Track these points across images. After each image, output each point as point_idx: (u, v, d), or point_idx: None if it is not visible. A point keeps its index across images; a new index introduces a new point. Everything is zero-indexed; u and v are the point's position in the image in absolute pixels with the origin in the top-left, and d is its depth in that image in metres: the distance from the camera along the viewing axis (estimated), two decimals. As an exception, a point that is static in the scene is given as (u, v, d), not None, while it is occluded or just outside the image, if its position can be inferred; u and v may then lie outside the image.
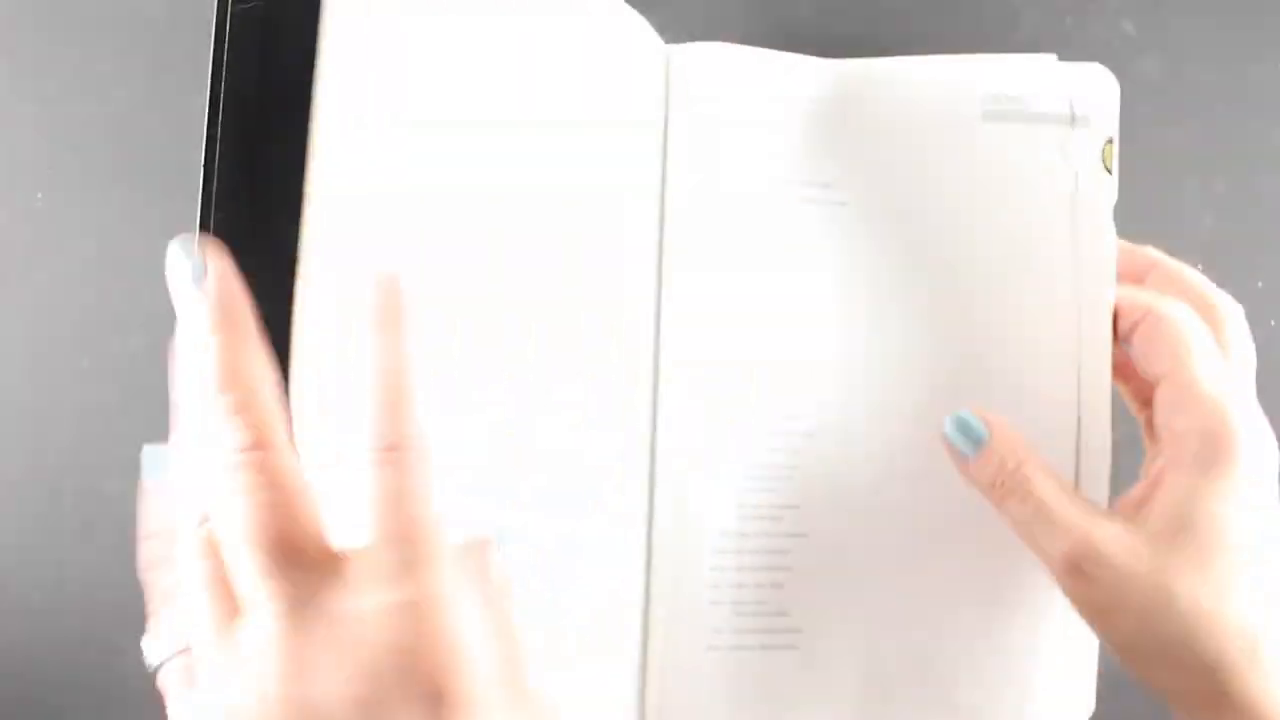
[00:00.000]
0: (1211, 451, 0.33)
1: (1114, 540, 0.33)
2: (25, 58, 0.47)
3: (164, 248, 0.45)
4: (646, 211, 0.42)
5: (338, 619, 0.23)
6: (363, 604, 0.23)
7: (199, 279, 0.29)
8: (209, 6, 0.46)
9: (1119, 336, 0.38)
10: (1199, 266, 0.47)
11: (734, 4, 0.47)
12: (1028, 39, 0.48)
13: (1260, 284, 0.48)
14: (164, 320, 0.45)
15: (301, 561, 0.24)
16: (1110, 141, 0.41)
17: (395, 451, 0.25)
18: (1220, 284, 0.47)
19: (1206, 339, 0.36)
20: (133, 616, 0.45)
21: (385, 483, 0.25)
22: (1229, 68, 0.48)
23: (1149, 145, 0.48)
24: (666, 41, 0.44)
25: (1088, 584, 0.33)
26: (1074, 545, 0.33)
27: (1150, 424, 0.39)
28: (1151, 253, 0.40)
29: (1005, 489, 0.35)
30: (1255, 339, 0.47)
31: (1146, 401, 0.40)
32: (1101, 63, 0.47)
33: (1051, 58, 0.42)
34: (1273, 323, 0.48)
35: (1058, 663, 0.41)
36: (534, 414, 0.39)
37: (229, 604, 0.25)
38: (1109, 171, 0.41)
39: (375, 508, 0.25)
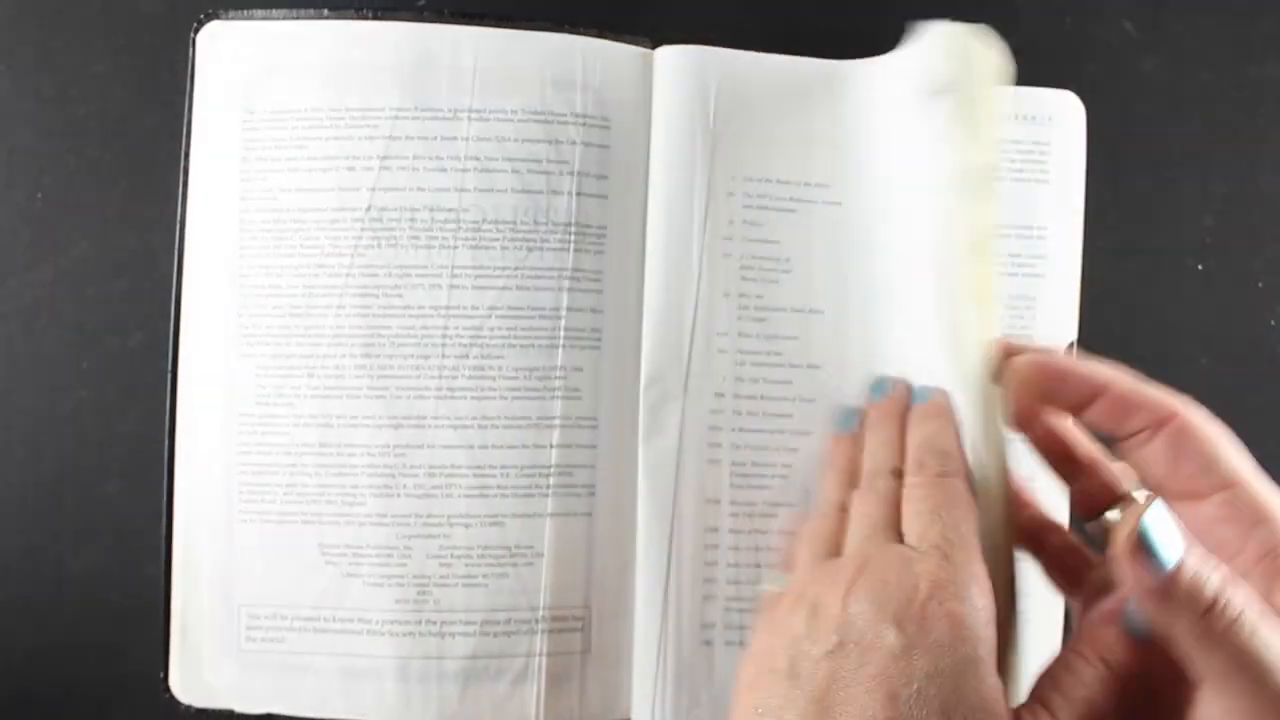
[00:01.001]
0: None
1: None
2: (25, 58, 0.47)
3: (164, 247, 0.45)
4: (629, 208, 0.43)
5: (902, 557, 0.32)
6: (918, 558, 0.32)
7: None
8: (209, 6, 0.46)
9: (1121, 432, 0.33)
10: (1199, 267, 0.48)
11: (734, 3, 0.47)
12: (1028, 39, 0.47)
13: (1260, 284, 0.48)
14: (164, 320, 0.45)
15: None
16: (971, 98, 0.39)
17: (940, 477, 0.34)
18: (1220, 284, 0.48)
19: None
20: (133, 616, 0.45)
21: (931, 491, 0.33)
22: (1229, 68, 0.48)
23: (1149, 145, 0.48)
24: (657, 42, 0.44)
25: None
26: None
27: (1075, 581, 0.36)
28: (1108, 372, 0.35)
29: (1217, 630, 0.28)
30: (1255, 339, 0.48)
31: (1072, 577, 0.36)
32: (1101, 63, 0.47)
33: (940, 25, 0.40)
34: (1272, 322, 0.48)
35: None
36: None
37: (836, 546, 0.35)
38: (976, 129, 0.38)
39: (927, 510, 0.33)
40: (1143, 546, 0.28)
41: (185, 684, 0.43)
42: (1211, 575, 0.28)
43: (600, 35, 0.44)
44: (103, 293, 0.46)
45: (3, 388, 0.46)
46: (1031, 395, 0.34)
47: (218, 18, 0.45)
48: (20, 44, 0.47)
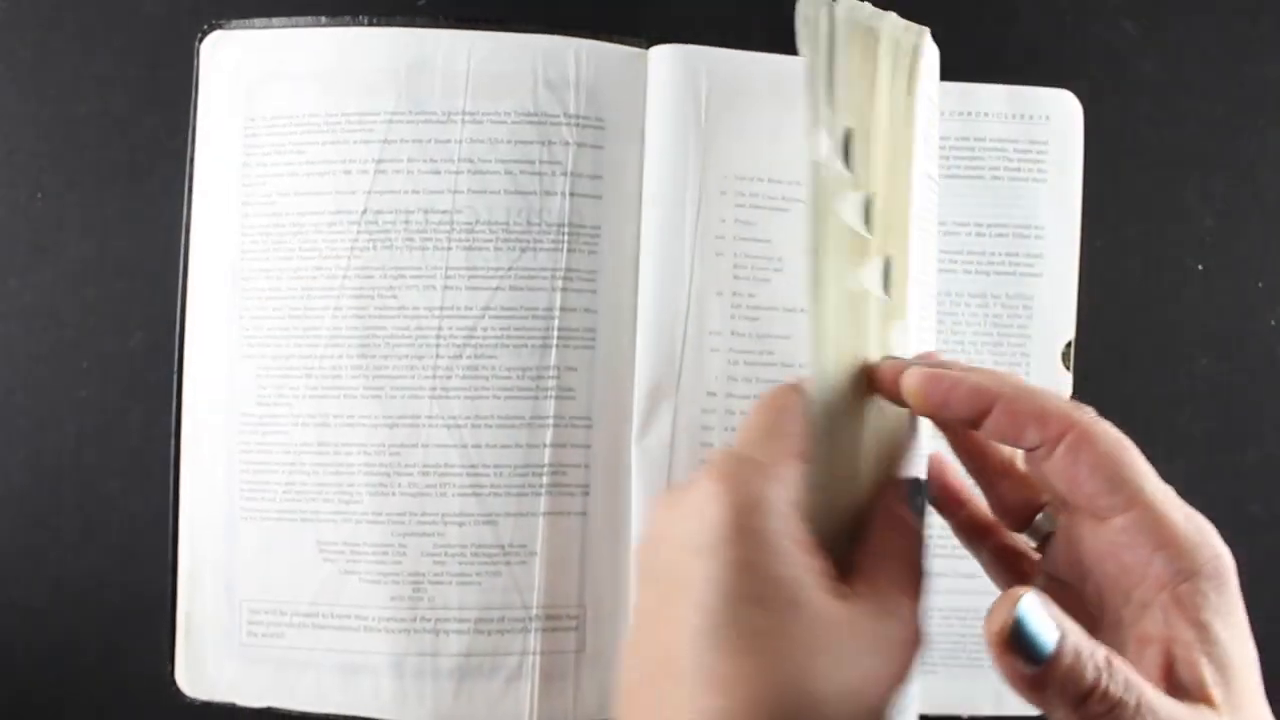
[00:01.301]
0: (1222, 596, 0.28)
1: None
2: (25, 58, 0.47)
3: (164, 247, 0.45)
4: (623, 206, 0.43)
5: None
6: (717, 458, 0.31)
7: None
8: (207, 6, 0.47)
9: (1021, 445, 0.31)
10: (1200, 267, 0.47)
11: (729, 2, 0.47)
12: (1028, 39, 0.47)
13: (1260, 284, 0.48)
14: (166, 321, 0.45)
15: None
16: None
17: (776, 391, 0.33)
18: (1220, 284, 0.47)
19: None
20: (133, 615, 0.45)
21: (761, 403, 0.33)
22: (1229, 67, 0.48)
23: (1149, 145, 0.47)
24: (652, 42, 0.44)
25: None
26: None
27: (1001, 558, 0.35)
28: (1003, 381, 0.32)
29: (1105, 702, 0.26)
30: (1256, 339, 0.47)
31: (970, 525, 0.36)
32: (1101, 63, 0.47)
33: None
34: (1273, 322, 0.48)
35: None
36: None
37: None
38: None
39: (751, 420, 0.32)
40: (1015, 640, 0.26)
41: (191, 679, 0.44)
42: (1089, 661, 0.26)
43: (594, 36, 0.44)
44: (103, 293, 0.46)
45: (3, 388, 0.46)
46: (924, 410, 0.32)
47: (220, 27, 0.45)
48: (20, 44, 0.47)
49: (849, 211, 0.34)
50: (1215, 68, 0.48)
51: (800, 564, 0.28)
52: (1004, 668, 0.27)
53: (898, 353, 0.34)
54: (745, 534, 0.28)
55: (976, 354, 0.45)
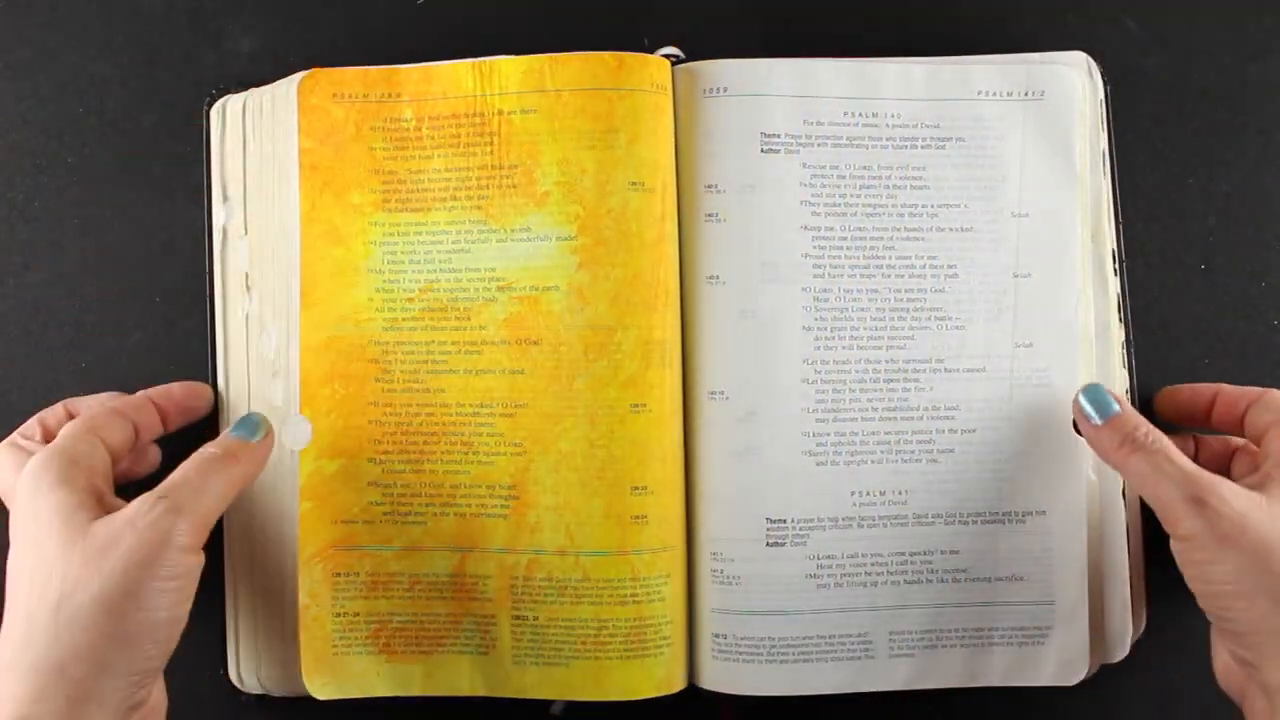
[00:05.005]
0: None
1: (1233, 488, 0.38)
2: (25, 58, 0.47)
3: (164, 247, 0.45)
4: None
5: None
6: None
7: None
8: (207, 6, 0.47)
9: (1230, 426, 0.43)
10: (1202, 266, 0.47)
11: (736, 1, 0.47)
12: (1029, 37, 0.47)
13: (1264, 283, 0.48)
14: (164, 320, 0.45)
15: None
16: None
17: None
18: (1223, 283, 0.47)
19: None
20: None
21: None
22: (1231, 66, 0.48)
23: (1151, 144, 0.47)
24: (654, 40, 0.44)
25: (1210, 515, 0.37)
26: (1200, 483, 0.37)
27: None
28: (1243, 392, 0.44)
29: (1133, 445, 0.39)
30: (1259, 338, 0.47)
31: None
32: (1103, 61, 0.47)
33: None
34: (1276, 322, 0.48)
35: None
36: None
37: None
38: None
39: None
40: (1084, 408, 0.42)
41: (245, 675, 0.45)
42: (1133, 418, 0.41)
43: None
44: (102, 293, 0.46)
45: (2, 388, 0.46)
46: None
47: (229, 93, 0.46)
48: (20, 44, 0.47)
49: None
50: (1219, 66, 0.48)
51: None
52: (1077, 416, 0.42)
53: None
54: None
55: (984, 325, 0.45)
